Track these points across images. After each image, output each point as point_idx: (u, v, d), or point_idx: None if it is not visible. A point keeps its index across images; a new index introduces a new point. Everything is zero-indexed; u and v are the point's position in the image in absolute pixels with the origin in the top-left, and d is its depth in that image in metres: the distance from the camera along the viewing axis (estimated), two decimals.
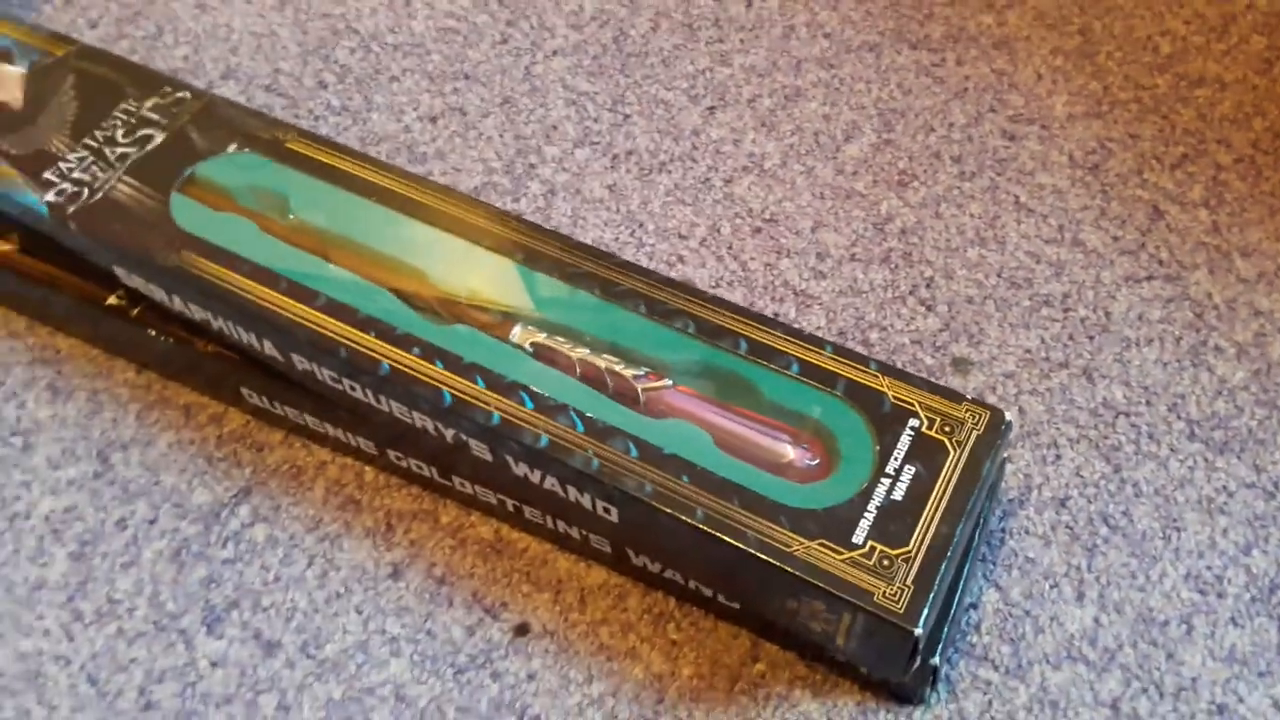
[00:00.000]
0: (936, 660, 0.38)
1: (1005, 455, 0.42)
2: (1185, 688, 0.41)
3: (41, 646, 0.42)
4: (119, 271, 0.45)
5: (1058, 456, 0.46)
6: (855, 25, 0.60)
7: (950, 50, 0.59)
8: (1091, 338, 0.49)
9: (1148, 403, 0.47)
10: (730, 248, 0.52)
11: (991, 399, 0.47)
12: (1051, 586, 0.43)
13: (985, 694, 0.40)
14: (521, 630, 0.42)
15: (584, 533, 0.42)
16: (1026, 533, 0.44)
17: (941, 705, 0.40)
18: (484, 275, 0.44)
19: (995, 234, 0.52)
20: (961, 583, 0.40)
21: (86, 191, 0.46)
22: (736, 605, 0.41)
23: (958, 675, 0.41)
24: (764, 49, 0.59)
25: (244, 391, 0.46)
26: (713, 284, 0.51)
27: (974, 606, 0.42)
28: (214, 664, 0.42)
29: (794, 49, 0.59)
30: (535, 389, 0.40)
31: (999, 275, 0.51)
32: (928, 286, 0.51)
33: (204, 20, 0.61)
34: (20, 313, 0.50)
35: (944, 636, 0.39)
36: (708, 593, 0.41)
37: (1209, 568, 0.43)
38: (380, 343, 0.41)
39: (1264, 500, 0.45)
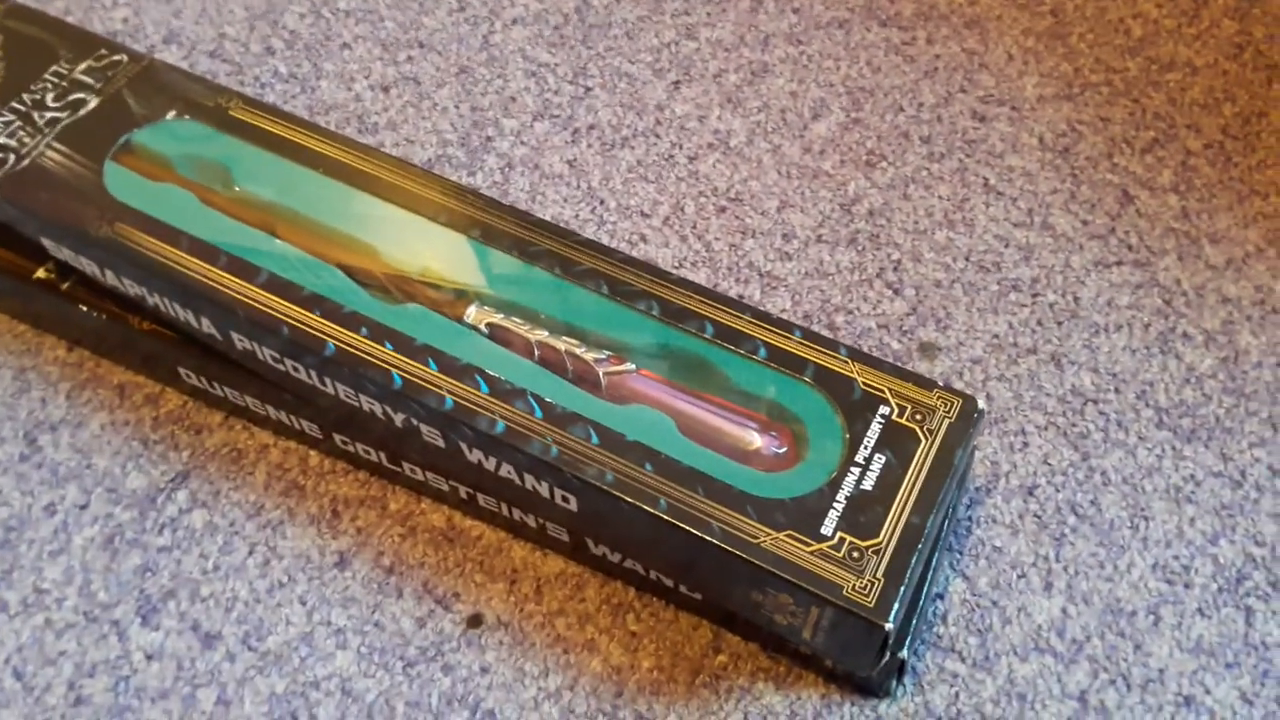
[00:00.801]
0: (904, 653, 0.37)
1: (975, 444, 0.40)
2: (1153, 679, 0.40)
3: None
4: (48, 243, 0.43)
5: (1025, 444, 0.45)
6: (825, 1, 0.59)
7: (921, 29, 0.58)
8: (1060, 323, 0.48)
9: (1116, 390, 0.47)
10: (694, 227, 0.51)
11: (959, 385, 0.46)
12: (1019, 577, 0.42)
13: (952, 686, 0.40)
14: (474, 621, 0.41)
15: (541, 521, 0.40)
16: (994, 521, 0.43)
17: (908, 698, 0.39)
18: (438, 252, 0.42)
19: (964, 216, 0.51)
20: (930, 573, 0.39)
21: (13, 158, 0.43)
22: (698, 596, 0.39)
23: (924, 667, 0.40)
24: (731, 23, 0.58)
25: (181, 371, 0.44)
26: (676, 264, 0.50)
27: (940, 597, 0.41)
28: (149, 657, 0.40)
29: (762, 23, 0.58)
30: (491, 372, 0.38)
31: (967, 259, 0.50)
32: (895, 269, 0.50)
33: None
34: None
35: (911, 628, 0.38)
36: (669, 583, 0.40)
37: (1176, 557, 0.43)
38: (326, 322, 0.39)
39: (1231, 489, 0.44)
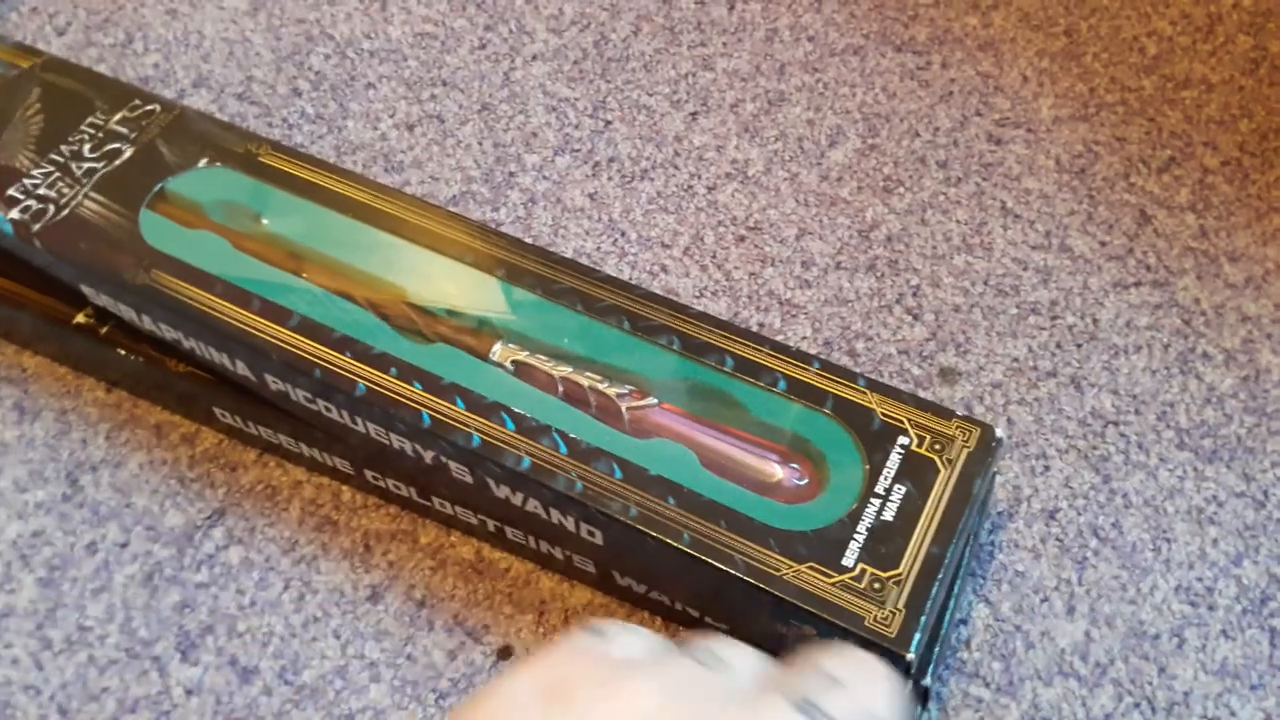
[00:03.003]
0: (928, 681, 0.38)
1: (995, 470, 0.41)
2: (1177, 702, 0.40)
3: (10, 676, 0.41)
4: (87, 290, 0.44)
5: (1046, 467, 0.45)
6: (839, 28, 0.59)
7: (935, 53, 0.58)
8: (1079, 346, 0.49)
9: (1136, 411, 0.47)
10: (714, 257, 0.51)
11: (979, 409, 0.47)
12: (1042, 601, 0.42)
13: (976, 711, 0.40)
14: (505, 653, 0.41)
15: (568, 553, 0.41)
16: (1016, 546, 0.44)
17: None
18: (463, 292, 0.43)
19: (982, 240, 0.52)
20: (952, 600, 0.40)
21: (52, 208, 0.44)
22: (724, 627, 0.40)
23: (948, 693, 0.40)
24: (747, 53, 0.58)
25: (216, 411, 0.45)
26: (696, 294, 0.50)
27: (964, 622, 0.42)
28: (189, 692, 0.41)
29: (777, 52, 0.58)
30: (516, 409, 0.39)
31: (985, 283, 0.51)
32: (914, 295, 0.50)
33: (175, 27, 0.59)
34: None
35: (935, 656, 0.38)
36: (694, 614, 0.40)
37: (1200, 579, 0.43)
38: (356, 363, 0.40)
39: (1254, 510, 0.44)
